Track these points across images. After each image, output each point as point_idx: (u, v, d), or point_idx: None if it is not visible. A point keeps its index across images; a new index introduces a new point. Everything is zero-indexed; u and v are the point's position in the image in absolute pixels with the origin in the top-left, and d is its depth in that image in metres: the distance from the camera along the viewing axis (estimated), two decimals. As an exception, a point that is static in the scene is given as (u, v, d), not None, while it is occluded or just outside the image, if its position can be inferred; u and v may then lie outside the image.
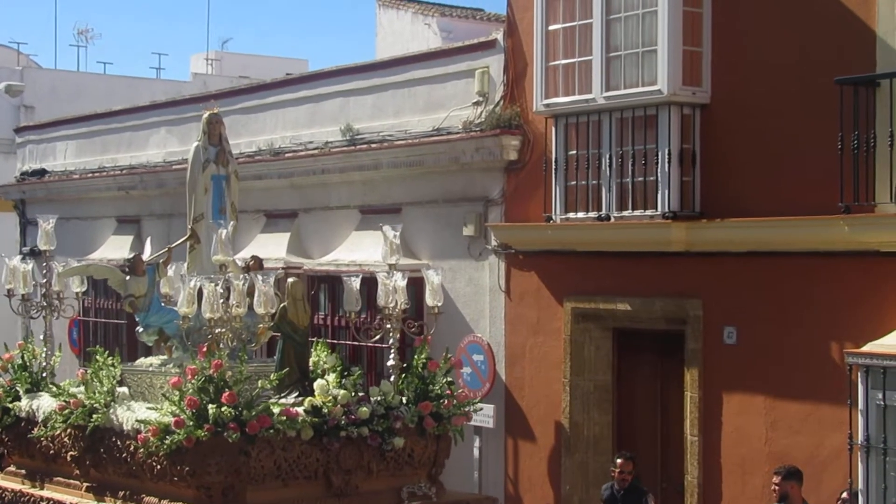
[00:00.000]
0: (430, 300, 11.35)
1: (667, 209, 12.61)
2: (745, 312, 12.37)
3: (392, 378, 11.31)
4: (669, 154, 12.58)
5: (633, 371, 13.96)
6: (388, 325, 11.18)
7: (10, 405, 12.36)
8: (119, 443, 10.98)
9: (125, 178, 20.94)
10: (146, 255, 12.39)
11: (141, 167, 20.74)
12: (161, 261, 12.17)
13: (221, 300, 10.51)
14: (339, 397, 10.76)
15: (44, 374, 12.52)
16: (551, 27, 13.64)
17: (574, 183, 13.52)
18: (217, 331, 10.49)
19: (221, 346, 10.48)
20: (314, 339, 12.15)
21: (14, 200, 24.86)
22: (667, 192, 12.60)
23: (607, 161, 13.13)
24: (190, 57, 43.76)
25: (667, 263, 12.93)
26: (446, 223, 15.31)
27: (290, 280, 11.34)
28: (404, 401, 11.18)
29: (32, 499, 11.87)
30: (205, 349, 10.40)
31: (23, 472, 12.40)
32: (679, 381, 13.01)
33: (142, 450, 10.45)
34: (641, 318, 13.41)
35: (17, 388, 12.48)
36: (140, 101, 22.78)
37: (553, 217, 13.75)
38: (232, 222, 11.40)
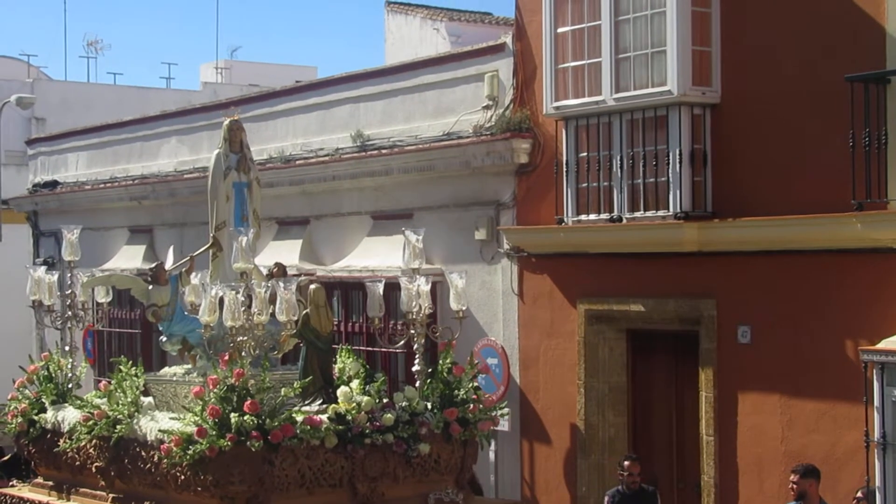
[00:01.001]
0: (454, 304, 11.16)
1: (679, 209, 12.60)
2: (759, 311, 12.35)
3: (417, 383, 11.18)
4: (680, 154, 12.58)
5: (647, 372, 13.95)
6: (412, 331, 11.04)
7: (36, 417, 12.30)
8: (143, 453, 10.92)
9: (137, 188, 21.00)
10: (168, 264, 12.32)
11: (152, 177, 20.80)
12: (184, 269, 12.08)
13: (243, 308, 10.39)
14: (363, 404, 10.62)
15: (69, 386, 12.46)
16: (560, 30, 13.65)
17: (585, 185, 13.52)
18: (239, 339, 10.36)
19: (244, 354, 10.34)
20: (338, 346, 12.01)
21: (27, 212, 24.95)
22: (678, 192, 12.59)
23: (618, 162, 13.13)
24: (200, 66, 43.91)
25: (679, 264, 12.92)
26: (458, 227, 15.32)
27: (312, 286, 11.16)
28: (429, 406, 11.04)
29: None
30: (227, 358, 10.29)
31: (49, 483, 12.35)
32: (694, 382, 12.99)
33: (165, 460, 10.36)
34: (655, 318, 13.40)
35: (43, 400, 12.43)
36: (150, 111, 22.84)
37: (565, 219, 13.76)
38: (252, 230, 11.31)
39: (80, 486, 11.90)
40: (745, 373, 12.44)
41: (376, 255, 15.98)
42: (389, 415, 10.73)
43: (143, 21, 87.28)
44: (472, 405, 11.19)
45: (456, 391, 11.18)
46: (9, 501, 12.45)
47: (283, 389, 10.42)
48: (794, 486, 10.98)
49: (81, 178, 23.06)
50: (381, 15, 24.81)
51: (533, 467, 14.63)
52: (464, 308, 11.22)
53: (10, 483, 13.58)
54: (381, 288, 11.04)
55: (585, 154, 13.52)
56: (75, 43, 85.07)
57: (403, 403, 10.94)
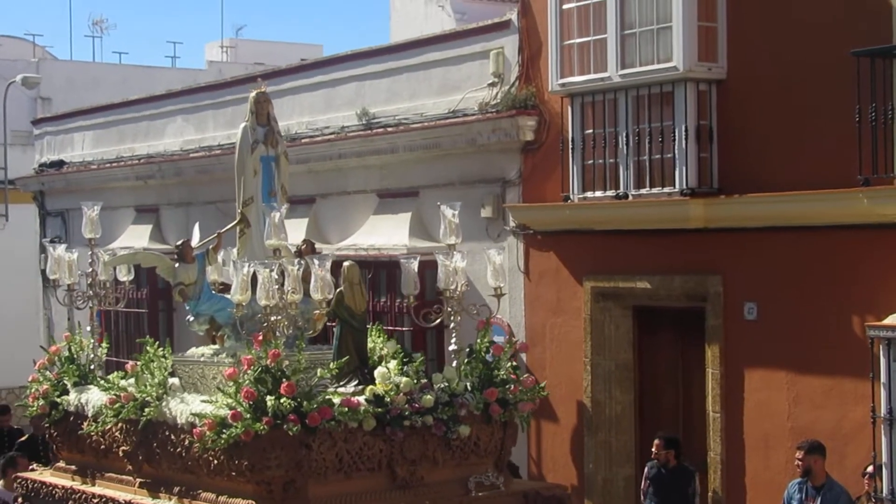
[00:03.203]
0: (491, 280, 10.85)
1: (685, 186, 12.58)
2: (765, 288, 12.34)
3: (455, 363, 10.83)
4: (686, 131, 12.54)
5: (653, 349, 13.95)
6: (449, 308, 10.67)
7: (59, 399, 11.91)
8: (173, 437, 10.56)
9: (143, 168, 21.00)
10: (195, 241, 11.81)
11: (158, 156, 20.79)
12: (211, 247, 11.64)
13: (276, 286, 10.02)
14: (402, 385, 10.23)
15: (91, 367, 12.09)
16: (565, 6, 13.60)
17: (591, 162, 13.50)
18: (273, 318, 9.98)
19: (278, 334, 9.99)
20: (371, 325, 11.63)
21: (33, 192, 24.97)
22: (684, 168, 12.56)
23: (624, 139, 13.11)
24: (205, 45, 43.94)
25: (686, 240, 12.90)
26: (464, 205, 15.11)
27: (345, 264, 10.75)
28: (469, 387, 10.67)
29: (84, 495, 11.43)
30: (260, 338, 9.95)
31: (73, 468, 11.98)
32: (700, 358, 12.99)
33: (197, 444, 9.99)
34: (661, 295, 13.39)
35: (65, 382, 12.02)
36: (156, 91, 22.81)
37: (571, 197, 13.73)
38: (285, 205, 10.95)
39: (105, 471, 11.53)
40: (752, 349, 12.44)
41: (382, 234, 15.96)
42: (429, 396, 10.34)
43: (148, 0, 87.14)
44: (512, 385, 10.80)
45: (495, 371, 10.83)
46: (31, 486, 12.13)
47: (318, 370, 10.09)
48: (800, 462, 11.02)
49: (87, 158, 23.06)
50: (387, -8, 24.78)
51: (540, 445, 14.65)
52: (502, 285, 10.89)
53: (31, 467, 13.12)
54: (415, 265, 10.69)
55: (591, 131, 13.50)
56: (81, 22, 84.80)
57: (443, 384, 10.57)
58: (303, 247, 11.57)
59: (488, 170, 15.10)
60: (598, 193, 13.43)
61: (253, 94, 11.65)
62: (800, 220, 11.90)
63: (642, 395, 14.05)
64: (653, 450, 12.55)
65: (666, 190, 12.76)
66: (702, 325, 12.92)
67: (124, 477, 11.24)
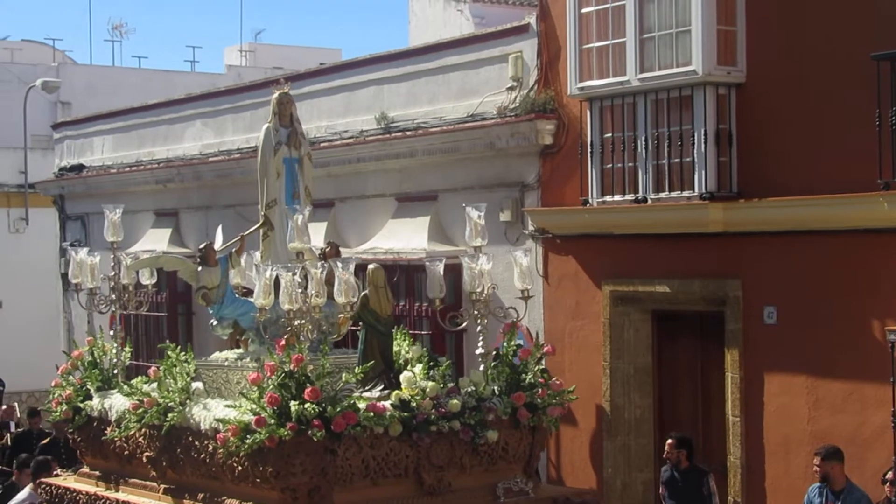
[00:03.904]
0: (518, 283, 10.68)
1: (704, 190, 12.56)
2: (784, 292, 12.31)
3: (481, 367, 10.61)
4: (705, 134, 12.53)
5: (672, 353, 13.93)
6: (476, 311, 10.41)
7: (82, 405, 11.73)
8: (197, 443, 10.38)
9: (162, 172, 21.07)
10: (217, 244, 11.57)
11: (178, 160, 20.85)
12: (234, 250, 11.43)
13: (299, 290, 9.82)
14: (428, 389, 10.02)
15: (114, 371, 11.91)
16: (584, 10, 13.60)
17: (610, 166, 13.49)
18: (296, 322, 9.77)
19: (301, 338, 9.77)
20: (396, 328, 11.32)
21: (53, 196, 25.08)
22: (704, 172, 12.55)
23: (643, 143, 13.10)
24: (224, 49, 43.97)
25: (705, 244, 12.88)
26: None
27: (370, 267, 10.56)
28: (496, 391, 10.42)
29: (108, 501, 11.27)
30: (283, 343, 9.75)
31: (97, 473, 11.79)
32: (719, 363, 12.97)
33: (221, 450, 9.83)
34: (680, 299, 13.37)
35: (88, 387, 11.83)
36: (175, 95, 22.88)
37: (590, 200, 13.73)
38: (308, 207, 10.72)
39: (129, 477, 11.35)
40: (772, 353, 12.41)
41: (401, 237, 15.98)
42: (456, 400, 10.10)
43: (167, 4, 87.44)
44: (540, 389, 10.54)
45: (523, 375, 10.56)
46: (55, 492, 11.98)
47: (343, 375, 9.94)
48: (818, 468, 10.96)
49: (107, 162, 23.15)
50: (405, -3, 24.80)
51: (559, 449, 14.64)
52: (529, 287, 10.71)
53: (55, 472, 13.02)
54: (441, 268, 10.49)
55: (610, 135, 13.49)
56: (100, 27, 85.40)
57: (469, 388, 10.34)
58: (327, 249, 11.39)
59: (507, 173, 15.10)
60: (618, 197, 13.42)
61: (275, 94, 11.46)
62: (819, 224, 11.87)
63: (661, 398, 14.04)
64: (665, 450, 12.51)
65: (685, 194, 12.75)
66: (721, 329, 12.90)
67: (148, 483, 11.11)
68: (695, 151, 12.61)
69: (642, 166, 13.13)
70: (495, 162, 15.22)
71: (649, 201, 13.07)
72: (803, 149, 12.11)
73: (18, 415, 18.78)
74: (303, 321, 9.82)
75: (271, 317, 10.31)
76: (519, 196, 14.92)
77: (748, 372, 12.60)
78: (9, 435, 17.44)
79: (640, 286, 13.66)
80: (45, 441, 16.26)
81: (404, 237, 15.91)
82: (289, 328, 9.86)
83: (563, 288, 14.54)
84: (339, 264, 9.99)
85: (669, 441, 12.53)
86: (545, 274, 14.75)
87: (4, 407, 18.92)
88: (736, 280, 12.68)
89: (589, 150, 13.70)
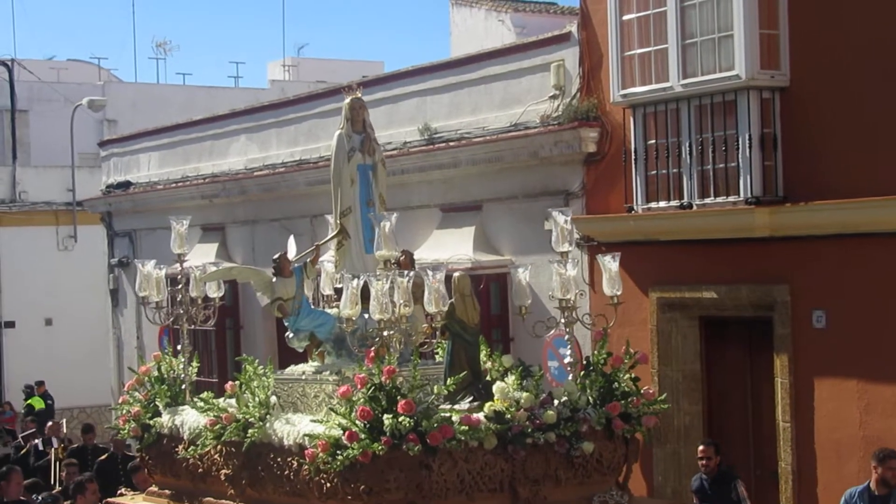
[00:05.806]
0: (607, 289, 10.33)
1: (749, 195, 12.50)
2: (833, 296, 12.22)
3: (571, 376, 10.35)
4: (750, 139, 12.47)
5: (721, 359, 13.86)
6: (564, 318, 10.18)
7: (151, 422, 11.45)
8: (279, 459, 10.05)
9: (208, 187, 21.19)
10: (291, 254, 11.12)
11: (223, 175, 20.97)
12: (308, 260, 11.05)
13: (388, 300, 9.51)
14: (522, 401, 9.68)
15: (183, 387, 11.63)
16: (625, 17, 13.58)
17: (654, 172, 13.45)
18: (386, 333, 9.48)
19: (391, 349, 9.47)
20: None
21: (101, 213, 25.30)
22: (749, 177, 12.49)
23: (687, 149, 13.05)
24: (267, 64, 44.27)
25: (752, 249, 12.82)
26: (527, 218, 15.28)
27: (456, 275, 10.17)
28: (590, 401, 10.13)
29: None
30: (372, 354, 9.44)
31: (167, 492, 11.47)
32: (769, 368, 12.89)
33: (308, 466, 9.46)
34: (728, 305, 13.30)
35: (157, 403, 11.55)
36: (219, 110, 23.03)
37: (634, 207, 13.69)
38: (395, 214, 10.37)
39: (203, 495, 11.00)
40: (821, 358, 12.32)
41: (447, 248, 15.99)
42: (551, 412, 9.77)
43: (210, 21, 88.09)
44: (634, 398, 10.22)
45: (615, 384, 10.26)
46: None
47: (435, 387, 9.58)
48: (876, 468, 10.83)
49: (153, 178, 23.31)
50: (447, 8, 24.88)
51: (608, 457, 14.56)
52: (618, 293, 10.41)
53: (120, 491, 12.68)
54: (527, 275, 10.30)
55: (654, 141, 13.45)
56: (144, 44, 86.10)
57: (564, 398, 10.02)
58: (402, 258, 10.87)
59: (551, 182, 15.08)
60: (662, 204, 13.38)
61: (347, 100, 11.11)
62: (867, 227, 11.79)
63: (710, 405, 13.96)
64: (701, 458, 12.36)
65: (731, 199, 12.68)
66: (770, 335, 12.83)
67: (225, 501, 10.78)
68: (739, 156, 12.55)
69: (687, 172, 13.08)
70: (539, 171, 15.21)
71: (695, 207, 13.02)
72: (849, 151, 12.02)
73: (65, 431, 18.84)
74: (392, 331, 9.54)
75: (359, 328, 9.99)
76: (563, 204, 14.78)
77: (798, 377, 12.51)
78: (53, 451, 17.45)
79: (688, 293, 13.60)
80: (102, 457, 16.24)
81: (450, 247, 15.92)
82: (377, 339, 9.56)
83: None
84: (430, 272, 9.72)
85: (703, 448, 12.39)
86: (591, 282, 14.70)
87: (51, 423, 19.01)
88: (784, 285, 12.60)
89: (633, 156, 13.66)
